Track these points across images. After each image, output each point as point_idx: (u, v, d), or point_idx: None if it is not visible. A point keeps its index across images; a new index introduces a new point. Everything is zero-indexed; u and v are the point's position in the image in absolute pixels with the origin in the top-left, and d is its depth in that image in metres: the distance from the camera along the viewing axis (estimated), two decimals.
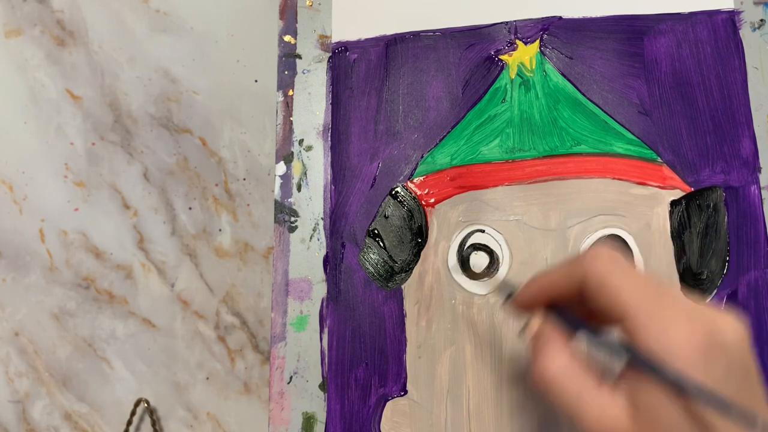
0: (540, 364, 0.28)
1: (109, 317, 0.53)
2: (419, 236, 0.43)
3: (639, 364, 0.26)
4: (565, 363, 0.28)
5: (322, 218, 0.45)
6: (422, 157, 0.45)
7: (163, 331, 0.52)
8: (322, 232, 0.45)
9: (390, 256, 0.44)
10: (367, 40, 0.47)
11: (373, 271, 0.43)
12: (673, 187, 0.42)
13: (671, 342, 0.24)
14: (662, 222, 0.42)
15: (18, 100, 0.57)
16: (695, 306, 0.26)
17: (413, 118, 0.45)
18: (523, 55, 0.45)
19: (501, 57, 0.45)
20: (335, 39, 0.48)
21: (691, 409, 0.24)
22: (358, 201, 0.45)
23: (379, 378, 0.42)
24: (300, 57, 0.48)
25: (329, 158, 0.46)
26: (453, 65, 0.46)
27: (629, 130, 0.43)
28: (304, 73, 0.47)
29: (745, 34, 0.44)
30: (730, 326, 0.25)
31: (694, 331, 0.24)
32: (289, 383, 0.43)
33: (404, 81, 0.46)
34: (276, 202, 0.46)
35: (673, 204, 0.42)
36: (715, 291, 0.40)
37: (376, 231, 0.44)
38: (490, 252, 0.42)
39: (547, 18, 0.46)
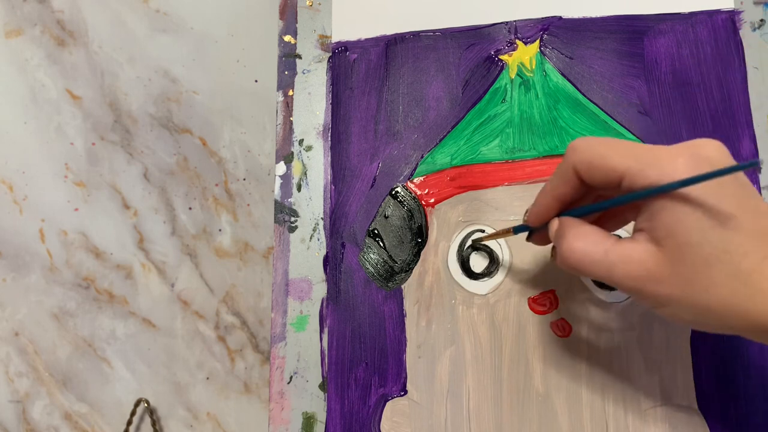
0: (565, 245, 0.31)
1: (109, 317, 0.53)
2: (419, 236, 0.43)
3: (647, 196, 0.28)
4: (585, 235, 0.31)
5: (322, 218, 0.45)
6: (422, 157, 0.45)
7: (163, 331, 0.52)
8: (322, 232, 0.45)
9: (390, 256, 0.44)
10: (367, 40, 0.47)
11: (373, 271, 0.44)
12: None
13: (665, 167, 0.28)
14: None
15: (18, 100, 0.57)
16: (675, 145, 0.29)
17: (413, 118, 0.45)
18: (523, 55, 0.45)
19: (501, 57, 0.45)
20: (335, 39, 0.48)
21: (703, 207, 0.27)
22: (358, 201, 0.45)
23: (379, 378, 0.42)
24: (300, 57, 0.48)
25: (329, 158, 0.46)
26: (453, 65, 0.46)
27: (629, 130, 0.43)
28: (304, 73, 0.48)
29: (745, 34, 0.44)
30: (709, 144, 0.29)
31: (680, 154, 0.28)
32: (289, 383, 0.43)
33: (404, 81, 0.46)
34: (276, 202, 0.46)
35: None
36: None
37: (376, 231, 0.44)
38: (489, 252, 0.42)
39: (547, 18, 0.46)
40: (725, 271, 0.27)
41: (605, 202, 0.31)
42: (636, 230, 0.30)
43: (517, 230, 0.37)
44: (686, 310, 0.29)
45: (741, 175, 0.29)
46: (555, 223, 0.33)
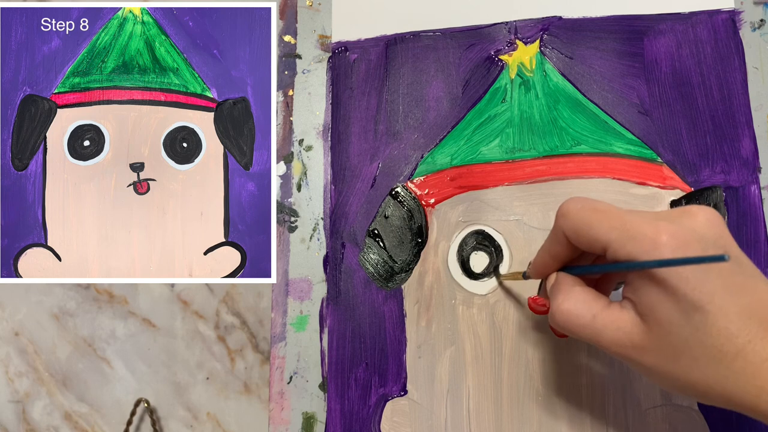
0: (555, 305, 0.32)
1: (109, 317, 0.53)
2: (419, 236, 0.43)
3: (628, 269, 0.29)
4: (575, 297, 0.31)
5: (322, 218, 0.45)
6: (422, 157, 0.45)
7: (163, 331, 0.52)
8: (322, 232, 0.45)
9: (390, 256, 0.44)
10: (367, 40, 0.47)
11: (373, 271, 0.44)
12: (673, 187, 0.42)
13: (647, 244, 0.27)
14: None
15: None
16: (658, 212, 0.30)
17: (413, 118, 0.45)
18: (523, 55, 0.45)
19: (501, 57, 0.45)
20: (335, 39, 0.48)
21: (683, 289, 0.27)
22: (358, 201, 0.45)
23: (379, 378, 0.42)
24: (300, 57, 0.48)
25: (329, 158, 0.46)
26: (453, 65, 0.46)
27: (629, 130, 0.43)
28: (304, 73, 0.48)
29: (745, 34, 0.44)
30: (701, 214, 0.28)
31: (664, 231, 0.27)
32: (289, 383, 0.43)
33: (404, 81, 0.46)
34: (276, 202, 0.46)
35: (673, 204, 0.42)
36: None
37: (376, 231, 0.44)
38: (490, 252, 0.42)
39: (547, 18, 0.46)
40: (707, 353, 0.27)
41: (597, 266, 0.33)
42: (624, 297, 0.30)
43: (525, 276, 0.37)
44: (671, 382, 0.29)
45: (730, 248, 0.28)
46: (552, 279, 0.34)
